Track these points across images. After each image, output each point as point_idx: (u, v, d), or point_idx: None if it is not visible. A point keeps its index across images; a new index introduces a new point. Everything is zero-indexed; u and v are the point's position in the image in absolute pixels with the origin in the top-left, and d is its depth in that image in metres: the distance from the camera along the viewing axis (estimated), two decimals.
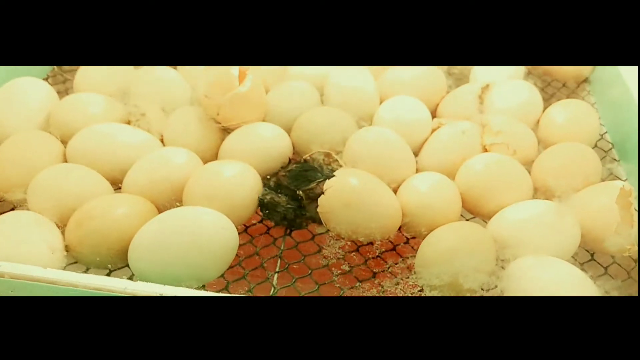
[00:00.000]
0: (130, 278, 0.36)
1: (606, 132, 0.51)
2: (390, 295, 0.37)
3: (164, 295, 0.31)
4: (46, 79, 0.55)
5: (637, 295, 0.37)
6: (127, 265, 0.37)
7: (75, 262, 0.38)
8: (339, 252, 0.40)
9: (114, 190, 0.42)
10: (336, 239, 0.40)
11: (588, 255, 0.40)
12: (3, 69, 0.50)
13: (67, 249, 0.37)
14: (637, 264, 0.39)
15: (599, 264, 0.40)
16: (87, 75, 0.52)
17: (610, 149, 0.50)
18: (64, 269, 0.37)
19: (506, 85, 0.51)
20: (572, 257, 0.39)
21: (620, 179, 0.46)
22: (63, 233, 0.38)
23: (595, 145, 0.49)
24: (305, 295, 0.37)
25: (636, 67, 0.49)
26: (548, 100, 0.52)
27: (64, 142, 0.45)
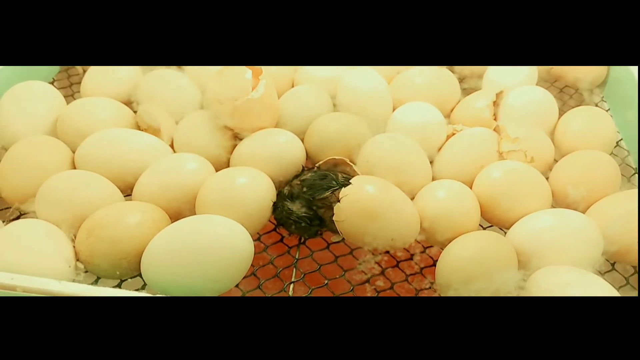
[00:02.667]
0: (142, 288, 0.36)
1: (622, 139, 0.51)
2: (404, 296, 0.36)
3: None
4: (52, 83, 0.54)
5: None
6: (139, 275, 0.36)
7: (86, 272, 0.37)
8: (355, 262, 0.39)
9: (124, 197, 0.42)
10: (353, 248, 0.39)
11: (609, 265, 0.40)
12: (9, 73, 0.49)
13: (77, 258, 0.36)
14: (637, 266, 0.39)
15: (620, 273, 0.39)
16: (95, 78, 0.51)
17: (627, 155, 0.49)
18: (74, 279, 0.36)
19: (521, 91, 0.50)
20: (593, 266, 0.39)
21: (637, 186, 0.45)
22: (73, 242, 0.37)
23: (612, 153, 0.48)
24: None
25: None
26: (561, 108, 0.52)
27: (72, 148, 0.44)
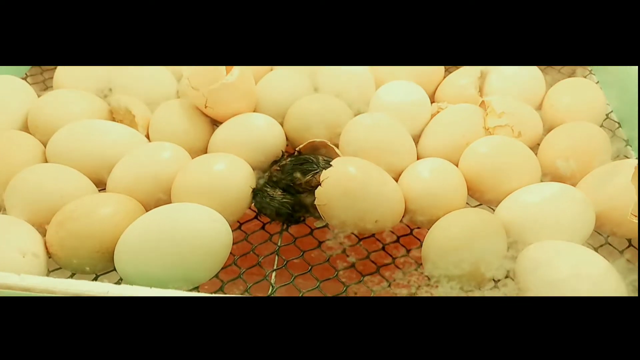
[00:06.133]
0: (118, 282, 0.34)
1: (612, 112, 0.49)
2: (396, 295, 0.35)
3: (151, 296, 0.28)
4: (25, 78, 0.53)
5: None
6: (115, 269, 0.35)
7: (59, 268, 0.35)
8: (339, 246, 0.37)
9: (99, 190, 0.40)
10: (336, 232, 0.38)
11: (602, 239, 0.38)
12: None
13: (48, 253, 0.35)
14: (637, 263, 0.37)
15: (615, 247, 0.38)
16: (67, 71, 0.50)
17: (617, 127, 0.48)
18: (47, 275, 0.35)
19: (506, 66, 0.49)
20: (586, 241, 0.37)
21: (629, 158, 0.44)
22: (45, 236, 0.36)
23: (602, 125, 0.47)
24: (306, 295, 0.34)
25: None
26: (549, 82, 0.50)
27: (44, 142, 0.42)
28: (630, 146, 0.46)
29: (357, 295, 0.36)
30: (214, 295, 0.29)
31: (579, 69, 0.55)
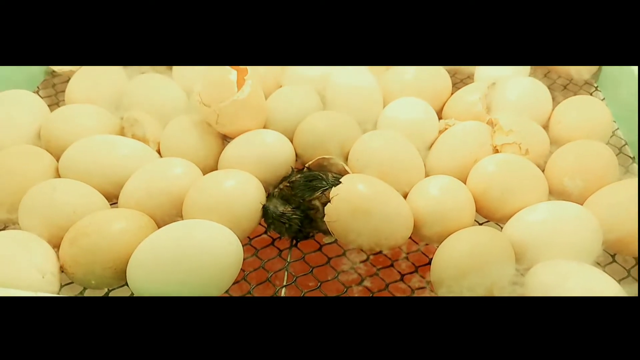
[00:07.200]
0: None
1: (618, 129, 0.50)
2: (400, 296, 0.35)
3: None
4: (37, 92, 0.53)
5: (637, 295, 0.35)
6: (126, 284, 0.35)
7: (71, 283, 0.36)
8: (348, 263, 0.38)
9: (110, 205, 0.40)
10: (345, 249, 0.38)
11: (609, 258, 0.38)
12: None
13: (61, 269, 0.35)
14: (637, 263, 0.38)
15: (621, 265, 0.38)
16: (79, 86, 0.50)
17: (624, 145, 0.48)
18: (59, 291, 0.35)
19: (513, 83, 0.49)
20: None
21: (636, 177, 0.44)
22: (57, 252, 0.36)
23: (608, 142, 0.47)
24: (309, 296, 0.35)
25: None
26: (555, 99, 0.51)
27: (56, 156, 0.43)
28: (637, 164, 0.46)
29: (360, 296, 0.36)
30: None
31: (585, 86, 0.55)
